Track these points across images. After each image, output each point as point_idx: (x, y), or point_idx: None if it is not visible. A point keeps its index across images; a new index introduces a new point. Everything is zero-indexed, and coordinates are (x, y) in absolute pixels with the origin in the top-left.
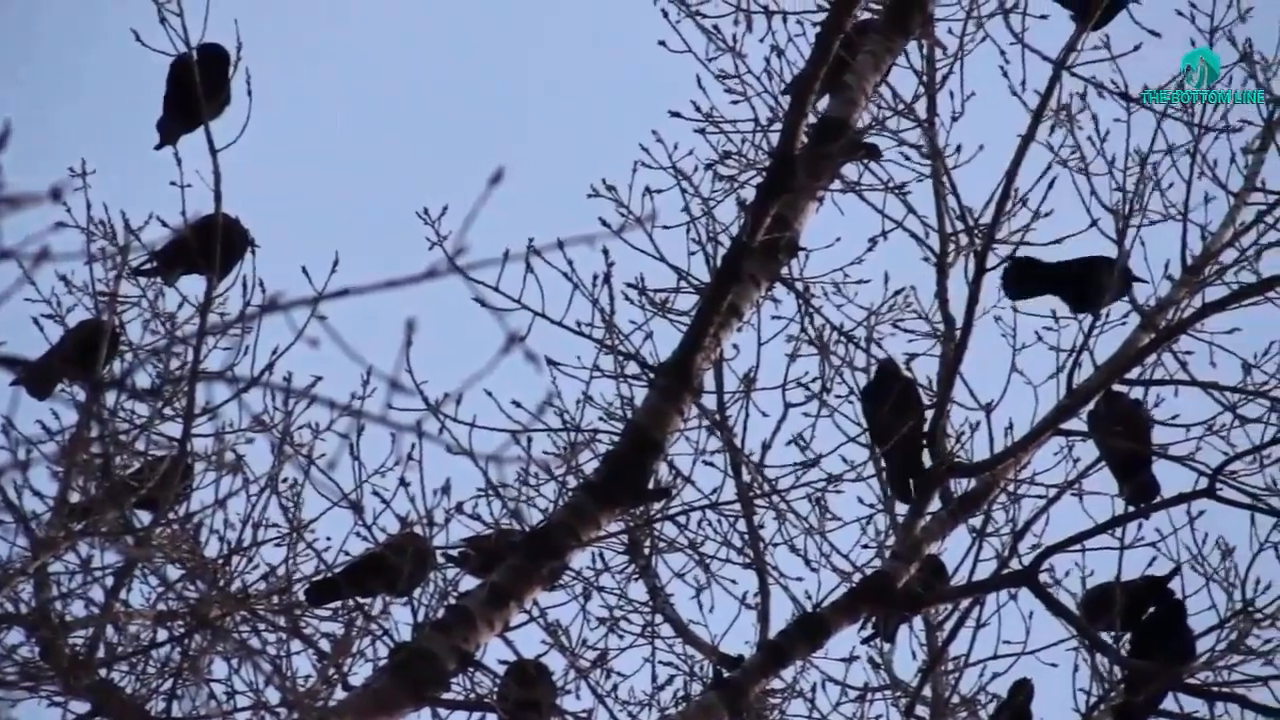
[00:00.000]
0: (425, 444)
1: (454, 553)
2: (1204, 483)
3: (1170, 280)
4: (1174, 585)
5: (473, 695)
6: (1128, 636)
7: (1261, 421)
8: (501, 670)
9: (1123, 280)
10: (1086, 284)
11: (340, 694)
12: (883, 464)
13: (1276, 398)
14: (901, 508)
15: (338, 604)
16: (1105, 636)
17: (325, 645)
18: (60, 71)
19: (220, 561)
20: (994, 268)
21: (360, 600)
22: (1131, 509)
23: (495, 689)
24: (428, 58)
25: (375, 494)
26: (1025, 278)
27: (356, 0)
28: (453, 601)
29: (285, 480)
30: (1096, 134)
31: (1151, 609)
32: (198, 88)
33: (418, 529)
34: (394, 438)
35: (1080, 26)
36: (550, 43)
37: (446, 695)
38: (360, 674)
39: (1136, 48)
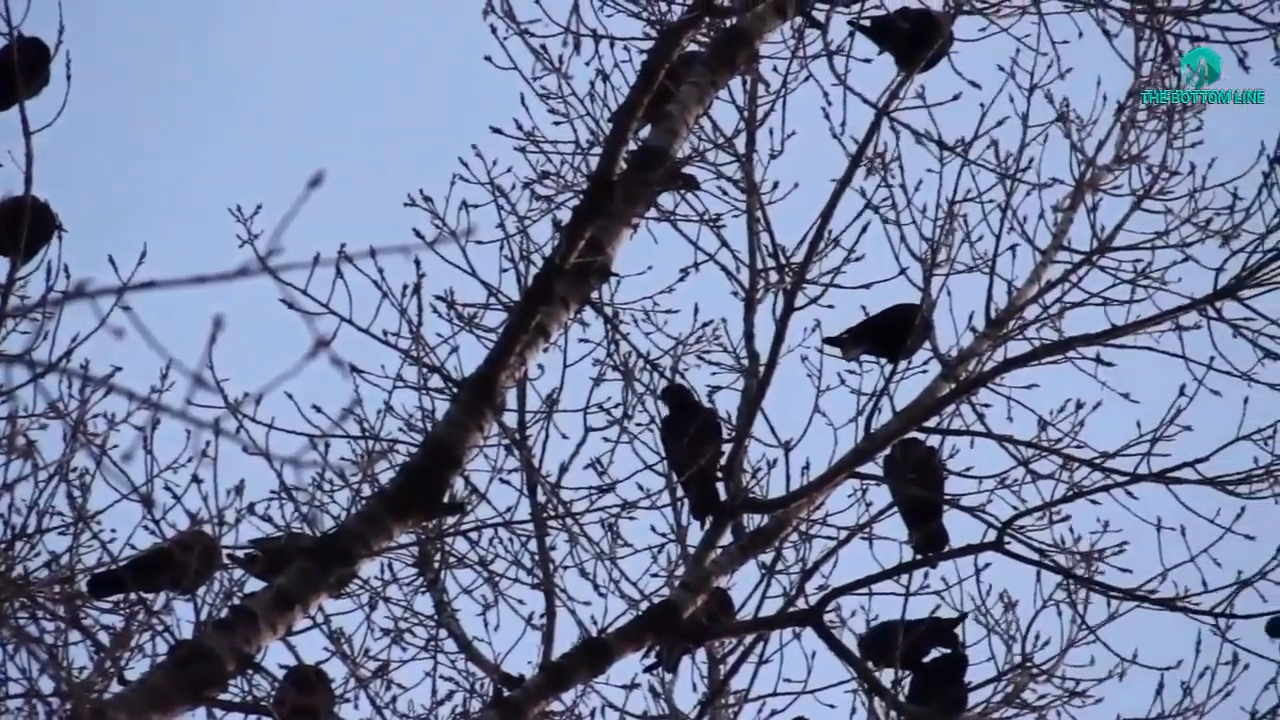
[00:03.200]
0: (222, 442)
1: (242, 553)
2: (993, 535)
3: (973, 332)
4: (956, 633)
5: (250, 698)
6: (908, 677)
7: (1053, 478)
8: (281, 674)
9: (924, 328)
10: (895, 332)
11: (117, 687)
12: (684, 491)
13: (1069, 455)
14: (693, 539)
15: (120, 597)
16: (886, 678)
17: (104, 638)
18: None
19: (2, 546)
20: (802, 307)
21: (143, 595)
22: (919, 556)
23: (273, 693)
24: (255, 56)
25: (167, 489)
26: (850, 341)
27: None
28: (237, 602)
29: (75, 469)
30: (904, 185)
31: (932, 654)
32: (15, 69)
33: (207, 527)
34: (190, 433)
35: (903, 73)
36: (377, 49)
37: (224, 696)
38: (138, 669)
39: (956, 97)
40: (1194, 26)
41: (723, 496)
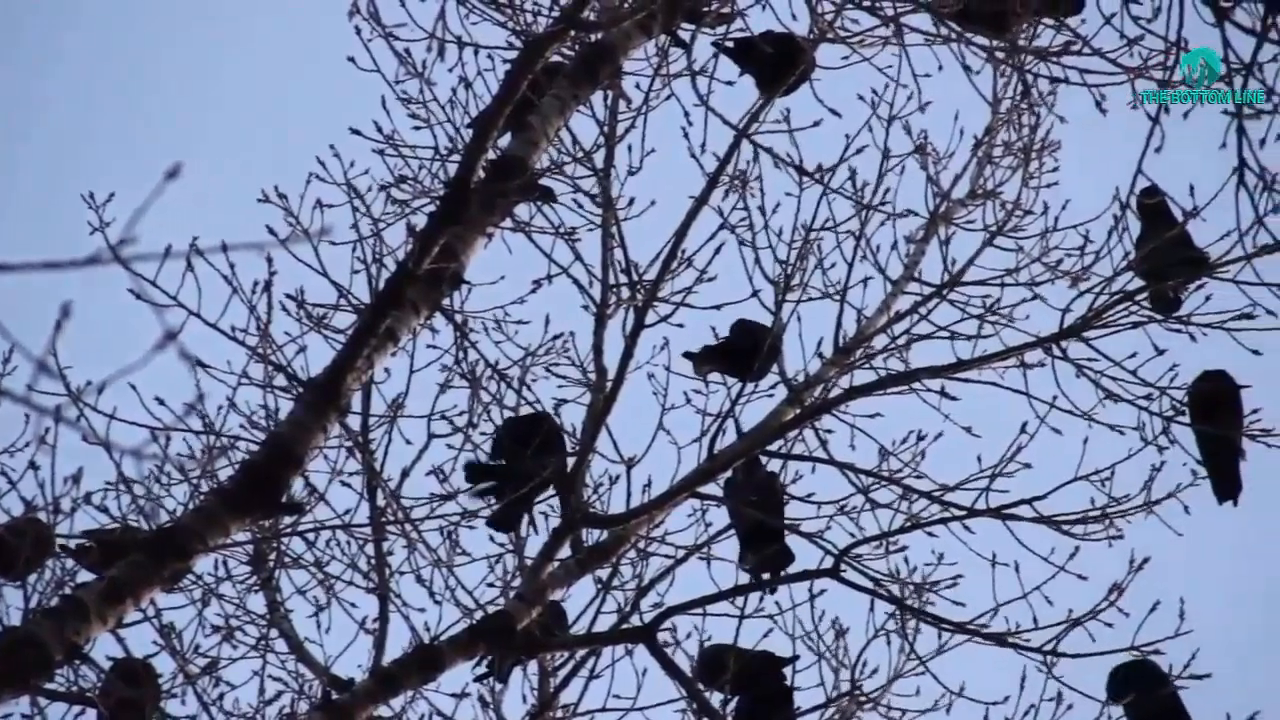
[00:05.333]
0: (61, 430)
1: (75, 542)
2: (829, 562)
3: (821, 358)
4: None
5: (76, 688)
6: (735, 703)
7: (891, 508)
8: (108, 666)
9: (774, 350)
10: (747, 353)
11: None
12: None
13: (908, 486)
14: (531, 550)
15: None
16: (715, 700)
17: None
18: None
19: None
20: (652, 325)
21: None
22: (757, 579)
23: (99, 684)
24: (119, 41)
25: (3, 474)
26: (704, 358)
27: None
28: (68, 591)
29: None
30: (762, 207)
31: (761, 683)
32: None
33: (42, 514)
34: (30, 419)
35: (764, 96)
36: (242, 43)
37: (50, 685)
38: None
39: (816, 124)
40: (1054, 67)
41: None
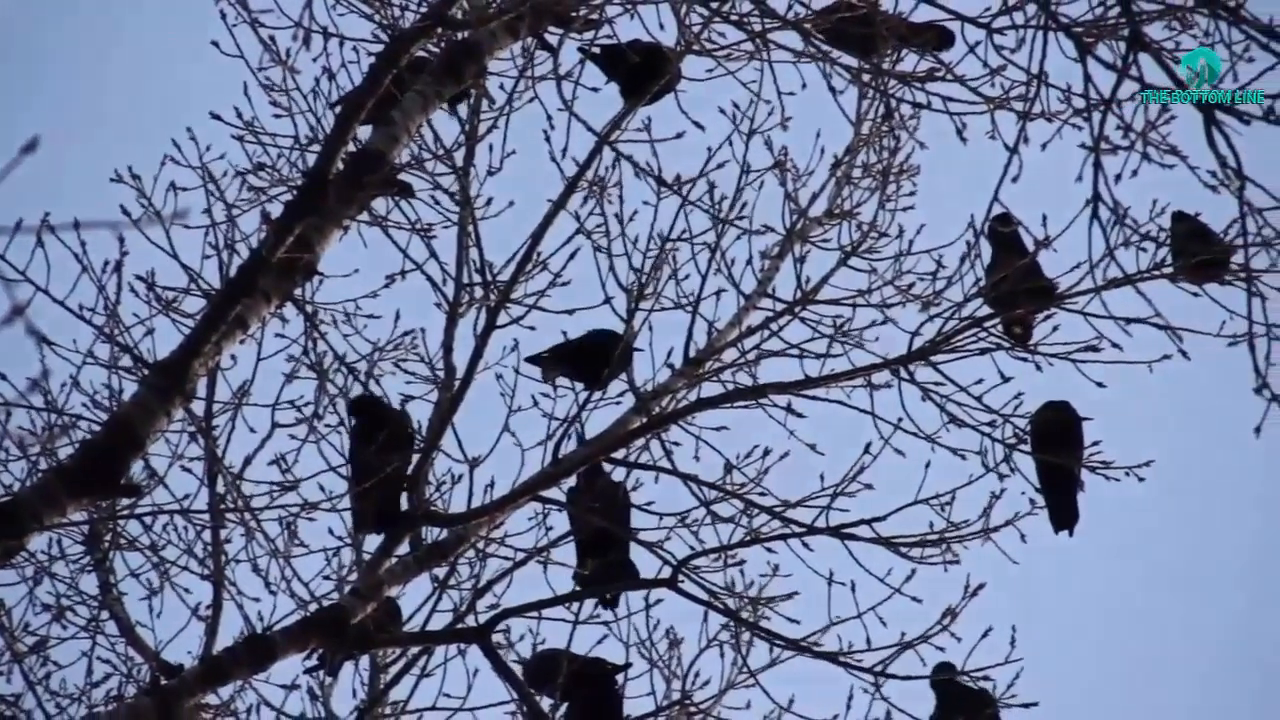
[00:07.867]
0: None
1: None
2: (667, 572)
3: (670, 368)
4: (618, 677)
5: None
6: (565, 708)
7: (732, 522)
8: None
9: (625, 357)
10: (596, 359)
11: None
12: (356, 496)
13: (750, 501)
14: (369, 545)
15: None
16: (545, 704)
17: None
18: None
19: None
20: (503, 326)
21: None
22: (594, 586)
23: None
24: None
25: None
26: (551, 362)
27: None
28: None
29: None
30: (620, 214)
31: (590, 689)
32: None
33: None
34: None
35: (628, 104)
36: (103, 21)
37: None
38: None
39: (679, 135)
40: (918, 92)
41: (404, 507)
